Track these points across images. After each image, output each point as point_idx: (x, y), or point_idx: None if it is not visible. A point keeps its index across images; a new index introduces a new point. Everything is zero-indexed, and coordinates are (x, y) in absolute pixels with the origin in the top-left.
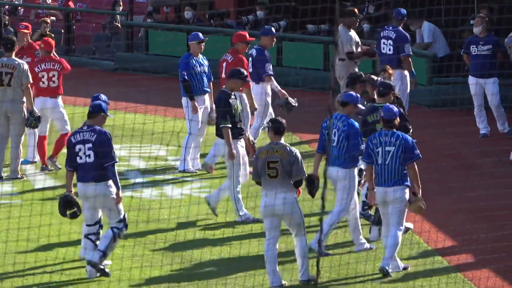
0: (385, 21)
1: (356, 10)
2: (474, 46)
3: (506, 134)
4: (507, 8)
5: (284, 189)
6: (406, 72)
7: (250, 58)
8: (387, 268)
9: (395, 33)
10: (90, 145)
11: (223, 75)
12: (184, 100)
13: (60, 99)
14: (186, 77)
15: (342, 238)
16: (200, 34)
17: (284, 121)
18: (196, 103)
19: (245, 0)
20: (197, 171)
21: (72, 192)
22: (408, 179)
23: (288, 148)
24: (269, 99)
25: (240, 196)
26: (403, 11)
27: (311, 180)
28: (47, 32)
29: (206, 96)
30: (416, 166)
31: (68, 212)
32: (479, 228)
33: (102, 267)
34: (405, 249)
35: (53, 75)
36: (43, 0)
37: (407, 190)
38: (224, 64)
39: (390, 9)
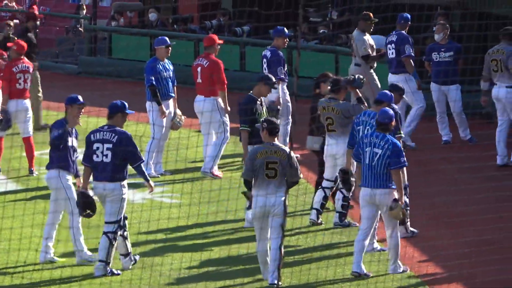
0: (348, 27)
1: (371, 14)
2: (436, 53)
3: (468, 141)
4: (470, 14)
5: (278, 190)
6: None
7: (264, 59)
8: (399, 270)
9: (396, 36)
10: (109, 145)
11: (199, 80)
12: (148, 104)
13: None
14: (153, 82)
15: (303, 242)
16: (167, 39)
17: (278, 121)
18: (164, 109)
19: (208, 5)
20: (159, 175)
21: (88, 188)
22: (393, 182)
23: (286, 150)
24: (288, 97)
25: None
26: (406, 15)
27: (345, 174)
28: (10, 35)
29: (171, 101)
30: (400, 173)
31: (83, 213)
32: (442, 234)
33: (110, 274)
34: (367, 255)
35: (28, 77)
36: (5, 3)
37: (394, 193)
38: (199, 69)
39: (353, 15)
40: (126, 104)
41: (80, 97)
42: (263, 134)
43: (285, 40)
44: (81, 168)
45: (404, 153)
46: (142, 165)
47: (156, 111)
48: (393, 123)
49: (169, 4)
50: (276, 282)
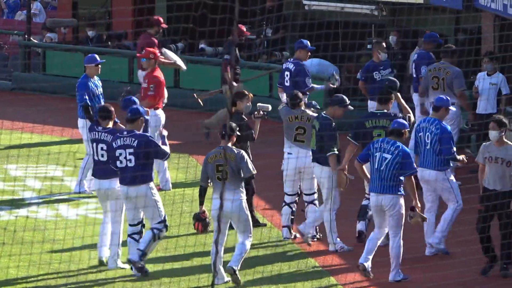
0: (283, 44)
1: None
2: (377, 72)
3: None
4: (404, 32)
5: (232, 191)
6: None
7: (287, 72)
8: (398, 278)
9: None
10: (131, 150)
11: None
12: (81, 121)
13: None
14: (87, 100)
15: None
16: (97, 57)
17: (233, 125)
18: (80, 131)
19: (142, 21)
20: (92, 192)
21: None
22: (402, 188)
23: (235, 150)
24: None
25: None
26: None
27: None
28: None
29: None
30: (412, 179)
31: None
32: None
33: (141, 265)
34: (301, 275)
35: None
36: None
37: (401, 199)
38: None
39: (288, 32)
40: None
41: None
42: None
43: (308, 53)
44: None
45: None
46: (165, 162)
47: (84, 128)
48: (407, 130)
49: (103, 20)
50: (235, 267)
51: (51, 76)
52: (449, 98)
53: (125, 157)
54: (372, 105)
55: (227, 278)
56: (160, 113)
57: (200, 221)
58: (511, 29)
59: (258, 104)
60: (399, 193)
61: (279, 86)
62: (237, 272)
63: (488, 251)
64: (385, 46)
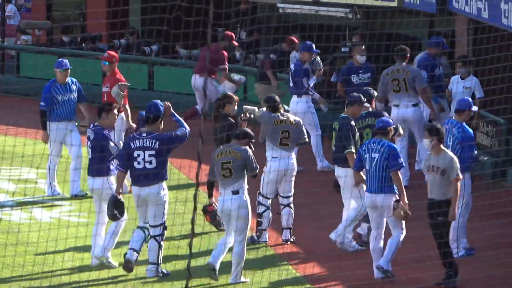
0: (257, 47)
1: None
2: (355, 75)
3: None
4: (378, 35)
5: (237, 189)
6: None
7: (290, 73)
8: (383, 266)
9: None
10: (152, 152)
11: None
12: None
13: None
14: (43, 104)
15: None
16: (65, 62)
17: (248, 131)
18: (47, 134)
19: (116, 24)
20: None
21: (121, 194)
22: (395, 186)
23: (239, 147)
24: (313, 109)
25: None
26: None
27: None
28: None
29: (69, 124)
30: (399, 174)
31: (108, 214)
32: (347, 254)
33: (161, 274)
34: (274, 275)
35: None
36: None
37: (396, 197)
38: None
39: (262, 35)
40: None
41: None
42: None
43: (312, 55)
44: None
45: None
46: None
47: (52, 131)
48: (392, 128)
49: (77, 22)
50: (233, 282)
51: (25, 78)
52: (469, 99)
53: (143, 159)
54: None
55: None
56: (123, 115)
57: (207, 213)
58: (485, 32)
59: (245, 106)
60: (393, 191)
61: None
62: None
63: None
64: (363, 49)
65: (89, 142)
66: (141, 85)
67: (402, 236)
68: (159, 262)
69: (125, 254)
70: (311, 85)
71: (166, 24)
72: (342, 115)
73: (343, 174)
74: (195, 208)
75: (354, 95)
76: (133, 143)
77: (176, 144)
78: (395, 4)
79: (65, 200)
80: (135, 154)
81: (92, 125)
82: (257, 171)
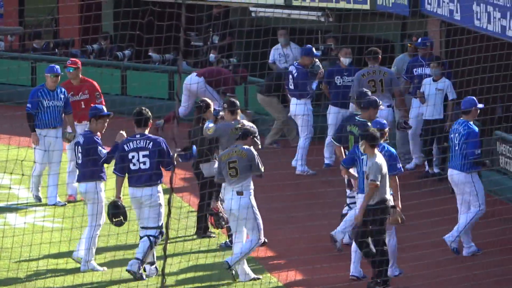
0: (230, 51)
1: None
2: (339, 76)
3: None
4: (350, 38)
5: (241, 190)
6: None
7: (291, 76)
8: (395, 273)
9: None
10: (146, 152)
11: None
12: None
13: None
14: (30, 110)
15: (185, 265)
16: (56, 68)
17: (251, 128)
18: (37, 136)
19: (89, 29)
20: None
21: (121, 198)
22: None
23: (245, 147)
24: (311, 112)
25: None
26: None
27: None
28: None
29: (54, 131)
30: (396, 179)
31: (114, 220)
32: (321, 257)
33: (140, 275)
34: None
35: None
36: None
37: (390, 198)
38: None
39: (234, 39)
40: None
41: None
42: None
43: (312, 59)
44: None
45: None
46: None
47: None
48: (386, 130)
49: (50, 28)
50: (231, 264)
51: None
52: (473, 98)
53: (138, 160)
54: (334, 111)
55: (253, 274)
56: None
57: (212, 215)
58: (457, 34)
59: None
60: (389, 193)
61: (285, 88)
62: (232, 268)
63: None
64: (346, 52)
65: (79, 147)
66: (114, 90)
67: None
68: (144, 260)
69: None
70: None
71: (138, 29)
72: (360, 118)
73: None
74: (169, 213)
75: (370, 98)
76: (127, 146)
77: (165, 155)
78: (367, 6)
79: (39, 206)
80: (129, 156)
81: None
82: (262, 171)
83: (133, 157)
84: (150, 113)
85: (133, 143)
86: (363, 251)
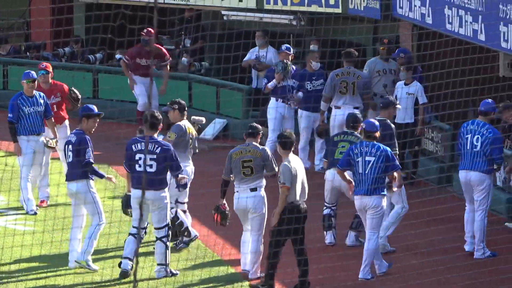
0: (201, 54)
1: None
2: (308, 82)
3: (319, 170)
4: (323, 41)
5: (255, 187)
6: None
7: None
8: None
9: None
10: (153, 156)
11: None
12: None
13: None
14: (12, 119)
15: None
16: (32, 73)
17: (259, 126)
18: (20, 146)
19: (60, 32)
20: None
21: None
22: (385, 188)
23: (259, 147)
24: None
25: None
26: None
27: None
28: None
29: (38, 137)
30: (396, 174)
31: (129, 210)
32: (294, 260)
33: (170, 275)
34: (220, 281)
35: None
36: None
37: (384, 199)
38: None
39: (206, 42)
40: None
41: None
42: (244, 137)
43: (285, 55)
44: None
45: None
46: (180, 174)
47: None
48: (378, 132)
49: (21, 31)
50: (252, 271)
51: None
52: (493, 102)
53: (144, 162)
54: (305, 114)
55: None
56: (67, 124)
57: (219, 212)
58: (429, 38)
59: (193, 117)
60: (382, 193)
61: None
62: (256, 274)
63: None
64: (317, 56)
65: (70, 146)
66: (85, 93)
67: (378, 238)
68: (168, 262)
69: (120, 263)
70: (266, 86)
71: (110, 32)
72: (380, 118)
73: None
74: (141, 216)
75: (388, 98)
76: (135, 146)
77: (172, 160)
78: (339, 10)
79: (10, 208)
80: (136, 157)
81: (75, 130)
82: (276, 171)
83: (140, 158)
84: (161, 117)
85: (141, 145)
86: (272, 251)
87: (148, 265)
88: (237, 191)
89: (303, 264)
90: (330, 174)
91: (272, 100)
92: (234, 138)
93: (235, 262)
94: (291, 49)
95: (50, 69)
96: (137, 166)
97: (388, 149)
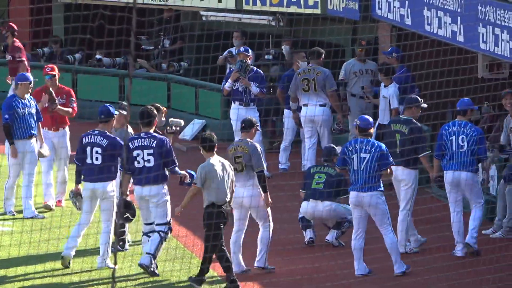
0: (180, 55)
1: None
2: None
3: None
4: (301, 42)
5: (250, 183)
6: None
7: None
8: (403, 271)
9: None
10: (150, 150)
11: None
12: (6, 144)
13: None
14: (8, 121)
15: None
16: (28, 75)
17: (253, 119)
18: (16, 149)
19: (39, 32)
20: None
21: (129, 195)
22: (382, 184)
23: (249, 143)
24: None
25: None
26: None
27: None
28: None
29: (31, 140)
30: (389, 170)
31: (123, 218)
32: (274, 261)
33: (152, 269)
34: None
35: None
36: None
37: (382, 195)
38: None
39: (185, 43)
40: None
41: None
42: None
43: (244, 55)
44: None
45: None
46: (176, 168)
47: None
48: (372, 128)
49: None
50: (260, 265)
51: None
52: (469, 100)
53: (143, 158)
54: (287, 114)
55: (245, 267)
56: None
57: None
58: (408, 39)
59: (171, 119)
60: (379, 189)
61: None
62: (266, 268)
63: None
64: (304, 55)
65: (98, 148)
66: None
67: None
68: (156, 255)
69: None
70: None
71: (89, 32)
72: (405, 117)
73: (413, 176)
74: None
75: (412, 96)
76: (132, 144)
77: (168, 154)
78: (318, 11)
79: None
80: (134, 154)
81: (97, 131)
82: (262, 169)
83: (138, 155)
84: (155, 112)
85: (138, 141)
86: (217, 255)
87: (126, 266)
88: (235, 186)
89: (224, 260)
90: (305, 206)
91: (232, 103)
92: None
93: (213, 263)
94: (250, 51)
95: (56, 71)
96: (135, 163)
97: (383, 145)
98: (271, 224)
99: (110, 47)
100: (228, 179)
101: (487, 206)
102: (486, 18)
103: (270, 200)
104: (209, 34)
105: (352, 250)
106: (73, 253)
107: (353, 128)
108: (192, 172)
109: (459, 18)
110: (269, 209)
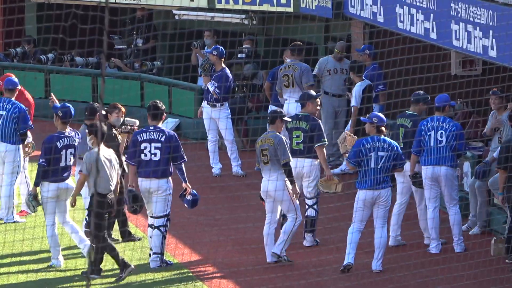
0: (153, 54)
1: None
2: None
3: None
4: (274, 40)
5: (274, 176)
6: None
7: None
8: (378, 269)
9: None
10: (158, 144)
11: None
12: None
13: None
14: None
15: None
16: (13, 79)
17: (279, 109)
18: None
19: (12, 32)
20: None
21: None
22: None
23: (274, 134)
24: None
25: None
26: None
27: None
28: None
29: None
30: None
31: (132, 208)
32: (246, 260)
33: (165, 264)
34: (174, 282)
35: None
36: None
37: (391, 191)
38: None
39: (158, 42)
40: None
41: None
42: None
43: (213, 56)
44: None
45: None
46: (183, 164)
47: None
48: (385, 125)
49: None
50: (277, 252)
51: None
52: (447, 96)
53: (150, 151)
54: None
55: (274, 259)
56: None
57: (263, 200)
58: (380, 36)
59: (126, 118)
60: (390, 185)
61: None
62: (282, 257)
63: None
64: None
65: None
66: (37, 94)
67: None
68: (163, 251)
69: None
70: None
71: (61, 32)
72: (410, 112)
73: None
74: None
75: (419, 93)
76: (140, 136)
77: (176, 149)
78: (290, 9)
79: None
80: (142, 147)
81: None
82: (287, 160)
83: (145, 147)
84: (164, 107)
85: (146, 134)
86: (100, 246)
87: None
88: (263, 179)
89: (99, 251)
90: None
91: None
92: (186, 137)
93: (187, 261)
94: (219, 50)
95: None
96: (142, 155)
97: (396, 144)
98: (299, 217)
99: (83, 46)
100: (114, 170)
101: (461, 203)
102: (459, 15)
103: (298, 190)
104: (181, 33)
105: (347, 244)
106: (61, 261)
107: (368, 126)
108: (196, 193)
109: (431, 15)
110: (297, 202)
